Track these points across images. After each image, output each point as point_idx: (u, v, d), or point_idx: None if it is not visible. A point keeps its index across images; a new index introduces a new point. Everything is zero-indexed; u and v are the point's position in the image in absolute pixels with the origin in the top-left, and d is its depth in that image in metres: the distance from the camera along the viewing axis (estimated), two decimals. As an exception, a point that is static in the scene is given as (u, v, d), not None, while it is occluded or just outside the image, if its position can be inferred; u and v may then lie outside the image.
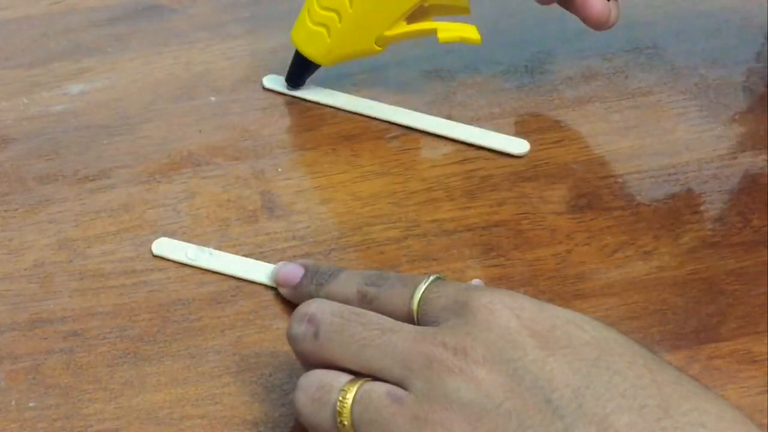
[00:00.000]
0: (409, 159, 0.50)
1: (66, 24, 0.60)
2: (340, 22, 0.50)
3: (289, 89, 0.54)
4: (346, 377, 0.34)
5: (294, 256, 0.45)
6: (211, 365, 0.41)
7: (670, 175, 0.48)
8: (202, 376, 0.40)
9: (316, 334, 0.35)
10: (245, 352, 0.41)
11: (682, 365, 0.40)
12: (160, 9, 0.61)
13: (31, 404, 0.40)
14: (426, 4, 0.49)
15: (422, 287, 0.36)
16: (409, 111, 0.52)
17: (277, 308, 0.43)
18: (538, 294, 0.43)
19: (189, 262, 0.45)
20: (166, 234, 0.46)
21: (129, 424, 0.39)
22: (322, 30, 0.50)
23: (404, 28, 0.50)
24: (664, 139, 0.50)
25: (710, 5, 0.59)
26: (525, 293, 0.43)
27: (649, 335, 0.41)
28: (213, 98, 0.54)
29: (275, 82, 0.54)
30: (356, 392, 0.34)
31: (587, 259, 0.45)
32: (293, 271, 0.42)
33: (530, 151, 0.50)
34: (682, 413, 0.30)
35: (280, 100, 0.54)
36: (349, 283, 0.39)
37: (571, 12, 0.49)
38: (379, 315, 0.36)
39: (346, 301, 0.37)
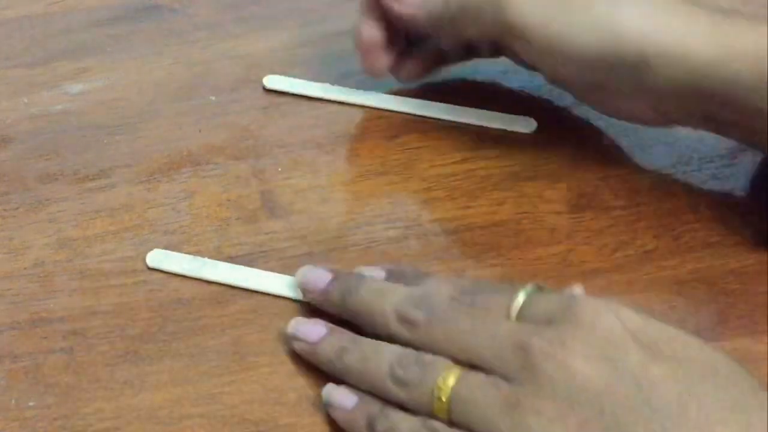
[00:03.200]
0: (410, 158, 0.50)
1: (66, 24, 0.60)
2: None
3: None
4: (447, 360, 0.35)
5: (294, 256, 0.45)
6: (211, 365, 0.41)
7: (670, 175, 0.48)
8: (202, 375, 0.40)
9: (425, 322, 0.36)
10: (245, 352, 0.41)
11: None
12: (160, 9, 0.61)
13: (30, 403, 0.40)
14: None
15: (521, 296, 0.36)
16: (412, 99, 0.53)
17: (277, 308, 0.43)
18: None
19: (184, 272, 0.44)
20: (166, 233, 0.46)
21: (129, 424, 0.39)
22: None
23: None
24: (664, 139, 0.50)
25: (710, 5, 0.59)
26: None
27: (649, 335, 0.41)
28: (213, 98, 0.54)
29: (276, 82, 0.54)
30: (459, 374, 0.34)
31: (587, 259, 0.45)
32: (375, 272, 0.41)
33: (530, 150, 0.50)
34: None
35: (280, 99, 0.54)
36: (441, 289, 0.38)
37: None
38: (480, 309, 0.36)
39: (440, 304, 0.37)
